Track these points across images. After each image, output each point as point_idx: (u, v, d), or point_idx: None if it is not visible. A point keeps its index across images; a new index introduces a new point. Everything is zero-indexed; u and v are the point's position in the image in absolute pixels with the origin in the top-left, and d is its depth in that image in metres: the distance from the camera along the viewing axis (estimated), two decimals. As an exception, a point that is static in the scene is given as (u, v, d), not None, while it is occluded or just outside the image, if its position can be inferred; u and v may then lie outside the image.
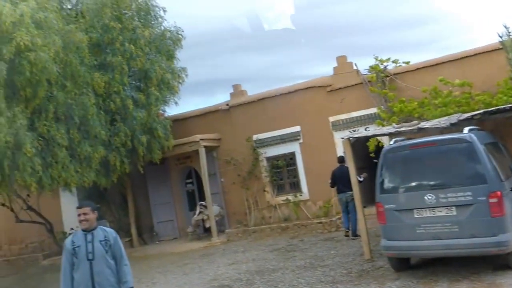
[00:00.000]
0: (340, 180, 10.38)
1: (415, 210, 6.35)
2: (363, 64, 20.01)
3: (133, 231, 14.95)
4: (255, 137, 14.11)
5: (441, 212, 6.18)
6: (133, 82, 13.16)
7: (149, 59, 13.00)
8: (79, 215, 4.55)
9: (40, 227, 17.21)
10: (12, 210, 15.90)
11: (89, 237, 4.53)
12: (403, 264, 7.01)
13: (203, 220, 13.87)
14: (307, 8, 36.62)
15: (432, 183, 6.41)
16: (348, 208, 10.44)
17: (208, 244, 13.14)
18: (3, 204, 15.83)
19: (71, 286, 4.45)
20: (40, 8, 10.32)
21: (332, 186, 10.80)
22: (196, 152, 14.60)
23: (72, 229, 15.37)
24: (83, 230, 4.56)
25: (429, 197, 6.23)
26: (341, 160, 10.63)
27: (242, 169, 14.25)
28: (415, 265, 7.26)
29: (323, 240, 10.95)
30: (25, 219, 16.14)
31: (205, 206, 13.98)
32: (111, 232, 4.64)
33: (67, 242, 4.57)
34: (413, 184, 6.58)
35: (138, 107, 12.37)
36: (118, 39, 12.36)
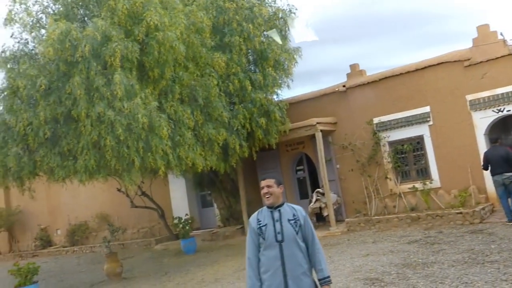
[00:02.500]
0: (495, 161, 9.13)
1: None
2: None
3: (245, 218, 14.57)
4: (376, 120, 13.01)
5: None
6: (249, 64, 12.67)
7: (264, 40, 12.46)
8: (262, 187, 3.90)
9: (150, 213, 17.59)
10: (127, 195, 16.34)
11: (276, 214, 3.86)
12: None
13: (320, 208, 13.09)
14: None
15: None
16: (508, 191, 9.13)
17: (327, 234, 12.34)
18: (119, 190, 16.33)
19: (258, 268, 3.82)
20: (164, -12, 10.13)
21: (485, 169, 9.52)
22: (309, 137, 13.89)
23: (187, 214, 15.47)
24: (268, 207, 3.91)
25: None
26: (495, 140, 9.36)
27: (361, 155, 13.25)
28: None
29: (469, 233, 9.64)
30: (139, 204, 16.55)
31: (322, 194, 13.20)
32: (300, 210, 3.93)
33: (252, 220, 3.94)
34: None
35: (256, 89, 11.86)
36: (235, 19, 11.94)
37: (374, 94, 13.11)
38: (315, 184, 14.91)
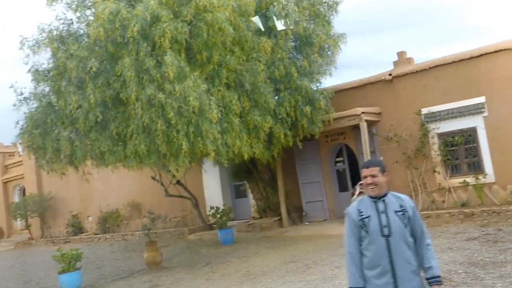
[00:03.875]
0: None
1: None
2: None
3: (283, 210, 14.20)
4: (425, 110, 12.39)
5: None
6: (293, 50, 12.20)
7: (310, 25, 11.97)
8: (365, 177, 3.46)
9: (182, 202, 17.38)
10: (162, 184, 16.14)
11: (380, 206, 3.41)
12: None
13: (364, 202, 12.56)
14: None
15: None
16: None
17: (371, 228, 11.85)
18: (153, 178, 16.14)
19: (361, 265, 3.40)
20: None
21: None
22: (351, 127, 13.39)
23: (224, 204, 15.16)
24: (371, 197, 3.47)
25: None
26: None
27: (407, 147, 12.67)
28: None
29: (533, 231, 9.05)
30: (173, 193, 16.34)
31: (366, 186, 12.68)
32: (407, 200, 3.47)
33: (352, 211, 3.49)
34: None
35: (301, 76, 11.39)
36: (279, 2, 11.47)
37: (423, 83, 12.49)
38: (355, 176, 14.40)
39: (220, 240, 13.22)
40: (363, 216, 3.41)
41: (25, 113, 9.30)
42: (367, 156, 12.31)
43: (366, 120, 12.55)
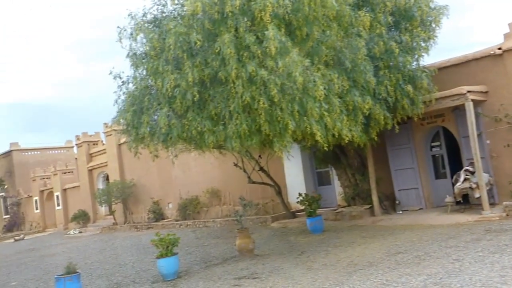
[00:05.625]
0: None
1: None
2: None
3: (374, 198, 13.35)
4: (544, 86, 10.98)
5: None
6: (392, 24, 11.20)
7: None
8: None
9: (263, 189, 17.03)
10: (244, 170, 15.87)
11: None
12: None
13: (471, 189, 11.43)
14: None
15: None
16: None
17: (481, 218, 10.72)
18: (236, 165, 15.91)
19: None
20: None
21: None
22: (450, 108, 12.22)
23: (314, 191, 14.54)
24: None
25: None
26: None
27: (521, 129, 11.33)
28: None
29: None
30: (256, 180, 16.02)
31: (472, 173, 11.52)
32: None
33: None
34: None
35: (402, 52, 10.44)
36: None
37: (541, 57, 11.05)
38: (454, 162, 13.22)
39: (309, 228, 12.67)
40: None
41: (123, 93, 9.26)
42: (474, 139, 11.14)
43: (472, 100, 11.36)
